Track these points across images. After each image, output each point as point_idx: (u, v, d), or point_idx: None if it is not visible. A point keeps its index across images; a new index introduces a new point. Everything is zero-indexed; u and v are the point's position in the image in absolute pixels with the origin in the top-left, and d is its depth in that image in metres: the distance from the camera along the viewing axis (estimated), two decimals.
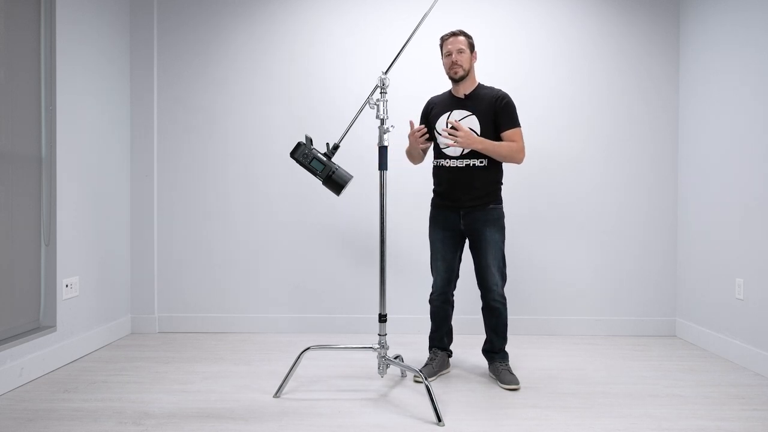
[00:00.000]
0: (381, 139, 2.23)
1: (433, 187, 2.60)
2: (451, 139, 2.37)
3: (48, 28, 2.65)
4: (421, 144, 2.48)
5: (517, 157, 2.45)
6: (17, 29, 2.48)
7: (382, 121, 2.22)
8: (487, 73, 3.29)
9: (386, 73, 2.25)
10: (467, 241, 2.55)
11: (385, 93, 2.23)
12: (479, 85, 2.54)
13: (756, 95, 2.70)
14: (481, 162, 2.43)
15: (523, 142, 2.47)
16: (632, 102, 3.36)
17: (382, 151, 2.24)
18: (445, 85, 2.65)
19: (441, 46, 2.52)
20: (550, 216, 3.36)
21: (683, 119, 3.31)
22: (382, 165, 2.24)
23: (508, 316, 2.54)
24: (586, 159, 3.36)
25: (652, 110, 3.36)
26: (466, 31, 2.52)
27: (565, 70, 3.36)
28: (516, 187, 3.33)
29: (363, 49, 3.38)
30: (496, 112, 2.45)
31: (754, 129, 2.71)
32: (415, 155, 2.60)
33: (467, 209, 2.46)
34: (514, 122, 2.46)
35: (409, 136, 2.50)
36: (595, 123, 3.36)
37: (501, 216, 2.51)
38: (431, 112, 2.58)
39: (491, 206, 2.47)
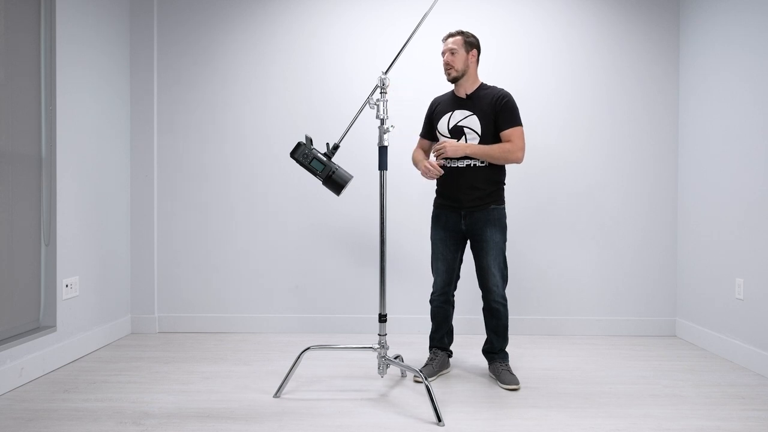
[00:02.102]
0: (381, 139, 2.22)
1: (435, 187, 2.60)
2: (440, 157, 2.40)
3: (48, 28, 2.65)
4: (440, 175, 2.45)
5: (512, 157, 2.41)
6: (17, 29, 2.48)
7: (382, 121, 2.22)
8: (487, 73, 3.30)
9: (386, 73, 2.24)
10: (468, 241, 2.55)
11: (385, 93, 2.23)
12: (482, 84, 2.53)
13: (756, 95, 2.70)
14: (482, 162, 2.43)
15: (522, 142, 2.43)
16: (632, 102, 3.36)
17: (382, 151, 2.23)
18: (443, 83, 2.65)
19: None
20: (550, 216, 3.36)
21: (683, 119, 3.31)
22: (382, 165, 2.24)
23: (509, 316, 2.53)
24: (587, 159, 3.36)
25: (652, 110, 3.36)
26: (466, 31, 2.51)
27: (565, 70, 3.36)
28: (516, 187, 3.33)
29: (363, 48, 3.38)
30: (497, 112, 2.43)
31: (753, 129, 2.71)
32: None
33: (468, 210, 2.46)
34: (513, 122, 2.43)
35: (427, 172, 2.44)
36: (595, 123, 3.36)
37: (502, 216, 2.49)
38: (434, 111, 2.59)
39: (492, 207, 2.46)
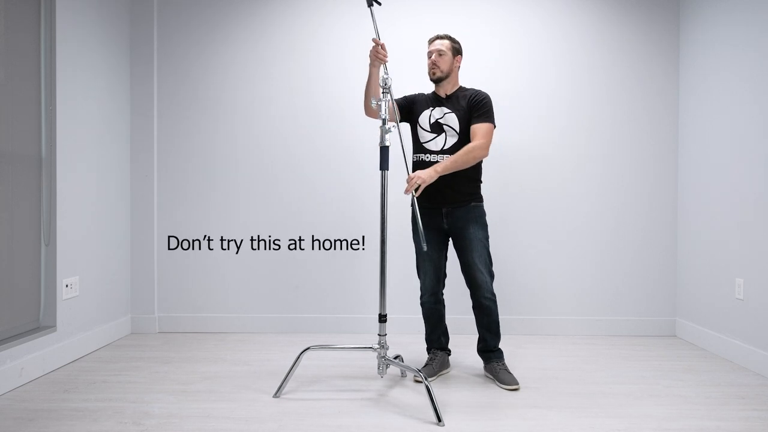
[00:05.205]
0: (382, 139, 2.22)
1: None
2: (413, 188, 2.29)
3: (48, 29, 2.65)
4: (383, 59, 2.33)
5: (475, 155, 2.38)
6: (17, 29, 2.48)
7: (384, 121, 2.22)
8: (488, 73, 3.31)
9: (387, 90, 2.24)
10: (451, 240, 2.56)
11: (387, 93, 2.23)
12: (461, 87, 2.57)
13: (756, 95, 2.69)
14: None
15: (486, 138, 2.40)
16: (632, 102, 3.36)
17: (384, 151, 2.23)
18: None
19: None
20: (550, 216, 3.36)
21: (683, 119, 3.31)
22: (384, 165, 2.24)
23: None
24: (587, 159, 3.36)
25: (652, 110, 3.36)
26: (453, 36, 2.55)
27: (565, 70, 3.36)
28: (517, 187, 3.33)
29: (364, 47, 3.36)
30: (471, 107, 2.46)
31: (754, 129, 2.71)
32: (372, 86, 2.40)
33: (450, 207, 2.47)
34: (483, 117, 2.44)
35: (371, 53, 2.36)
36: (596, 123, 3.36)
37: (483, 214, 2.52)
38: (415, 104, 2.58)
39: (473, 204, 2.49)
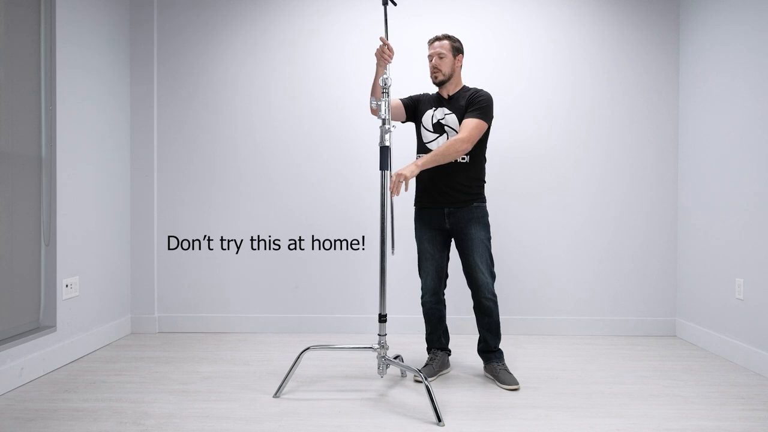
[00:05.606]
0: (382, 138, 2.22)
1: (416, 185, 2.59)
2: (398, 185, 2.25)
3: (48, 29, 2.65)
4: (388, 59, 2.33)
5: (456, 148, 2.34)
6: (17, 29, 2.48)
7: (384, 121, 2.22)
8: (489, 74, 3.31)
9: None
10: (453, 240, 2.55)
11: (387, 93, 2.23)
12: (464, 87, 2.56)
13: (756, 95, 2.70)
14: (462, 158, 2.43)
15: (470, 134, 2.36)
16: (633, 102, 3.36)
17: (384, 151, 2.23)
18: None
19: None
20: (550, 216, 3.36)
21: (683, 119, 3.31)
22: (384, 165, 2.24)
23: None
24: (587, 159, 3.36)
25: (653, 110, 3.36)
26: (452, 35, 2.53)
27: (566, 71, 3.36)
28: (518, 187, 3.33)
29: (363, 47, 3.37)
30: (467, 105, 2.44)
31: (754, 128, 2.71)
32: (377, 86, 2.38)
33: (452, 208, 2.46)
34: (475, 112, 2.40)
35: (377, 52, 2.34)
36: (596, 123, 3.36)
37: (485, 214, 2.51)
38: (419, 103, 2.58)
39: (475, 204, 2.47)
